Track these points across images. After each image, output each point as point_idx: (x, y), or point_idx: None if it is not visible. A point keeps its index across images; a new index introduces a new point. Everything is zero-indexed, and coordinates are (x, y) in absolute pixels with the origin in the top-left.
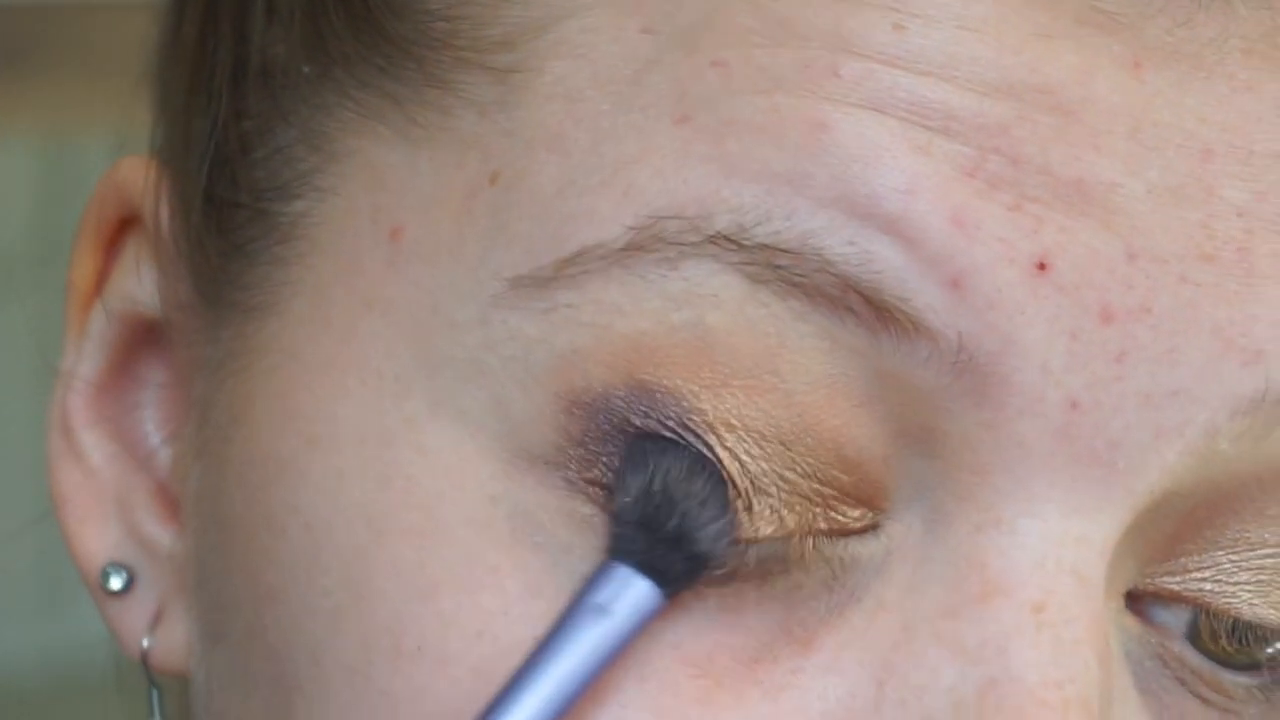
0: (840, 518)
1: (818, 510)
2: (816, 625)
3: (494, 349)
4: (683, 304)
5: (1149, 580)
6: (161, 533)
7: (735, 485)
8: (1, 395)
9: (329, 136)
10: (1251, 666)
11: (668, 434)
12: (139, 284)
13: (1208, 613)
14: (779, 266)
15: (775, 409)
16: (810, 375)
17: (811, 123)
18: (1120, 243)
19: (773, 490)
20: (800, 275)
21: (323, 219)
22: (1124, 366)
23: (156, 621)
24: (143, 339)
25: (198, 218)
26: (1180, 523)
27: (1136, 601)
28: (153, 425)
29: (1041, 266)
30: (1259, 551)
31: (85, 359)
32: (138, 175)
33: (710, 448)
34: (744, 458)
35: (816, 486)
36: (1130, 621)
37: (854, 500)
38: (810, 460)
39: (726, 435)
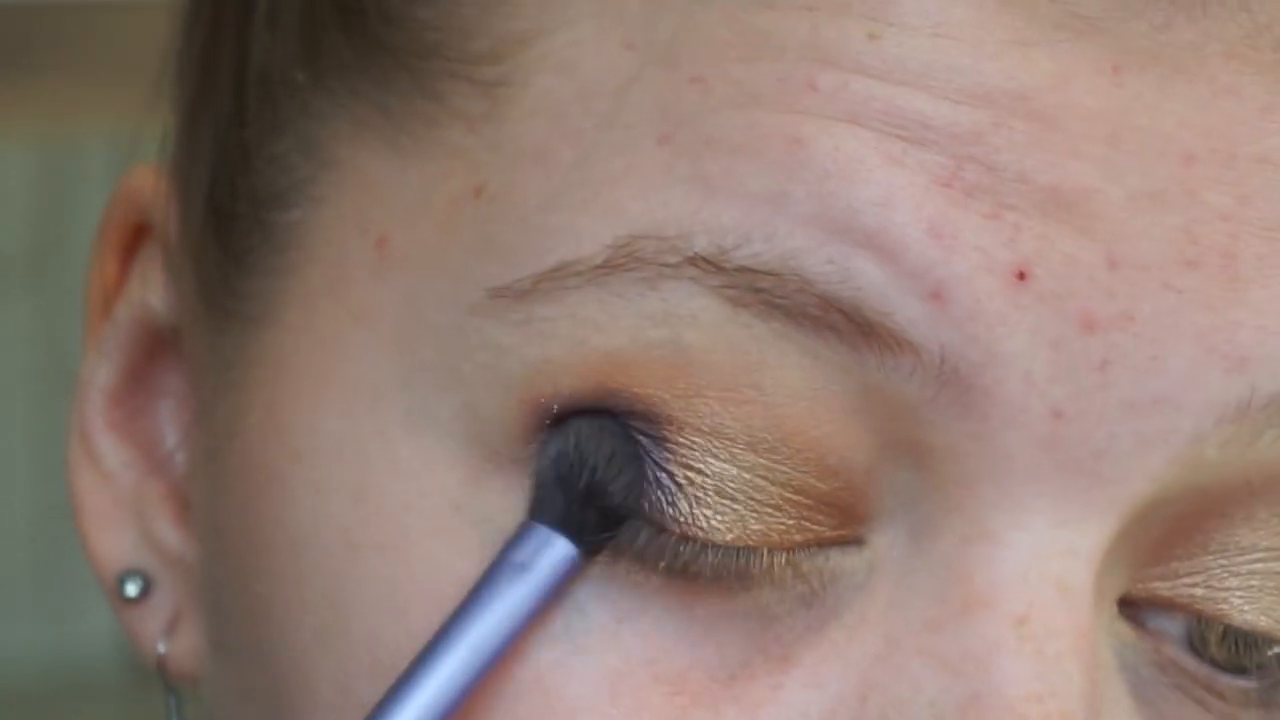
0: (815, 527)
1: (790, 523)
2: (794, 642)
3: (469, 356)
4: (660, 323)
5: (1141, 586)
6: (176, 538)
7: (693, 477)
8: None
9: (322, 145)
10: (1245, 670)
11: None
12: (153, 291)
13: (1199, 619)
14: (760, 289)
15: (753, 418)
16: (792, 389)
17: (788, 139)
18: (1101, 250)
19: (739, 497)
20: (781, 297)
21: (315, 229)
22: (1107, 375)
23: (172, 627)
24: (159, 345)
25: (200, 226)
26: (1169, 528)
27: (1130, 607)
28: (169, 431)
29: (1021, 275)
30: (1249, 556)
31: (103, 366)
32: (149, 183)
33: (661, 447)
34: (708, 460)
35: (790, 496)
36: (1125, 628)
37: (831, 509)
38: (786, 468)
39: (695, 438)
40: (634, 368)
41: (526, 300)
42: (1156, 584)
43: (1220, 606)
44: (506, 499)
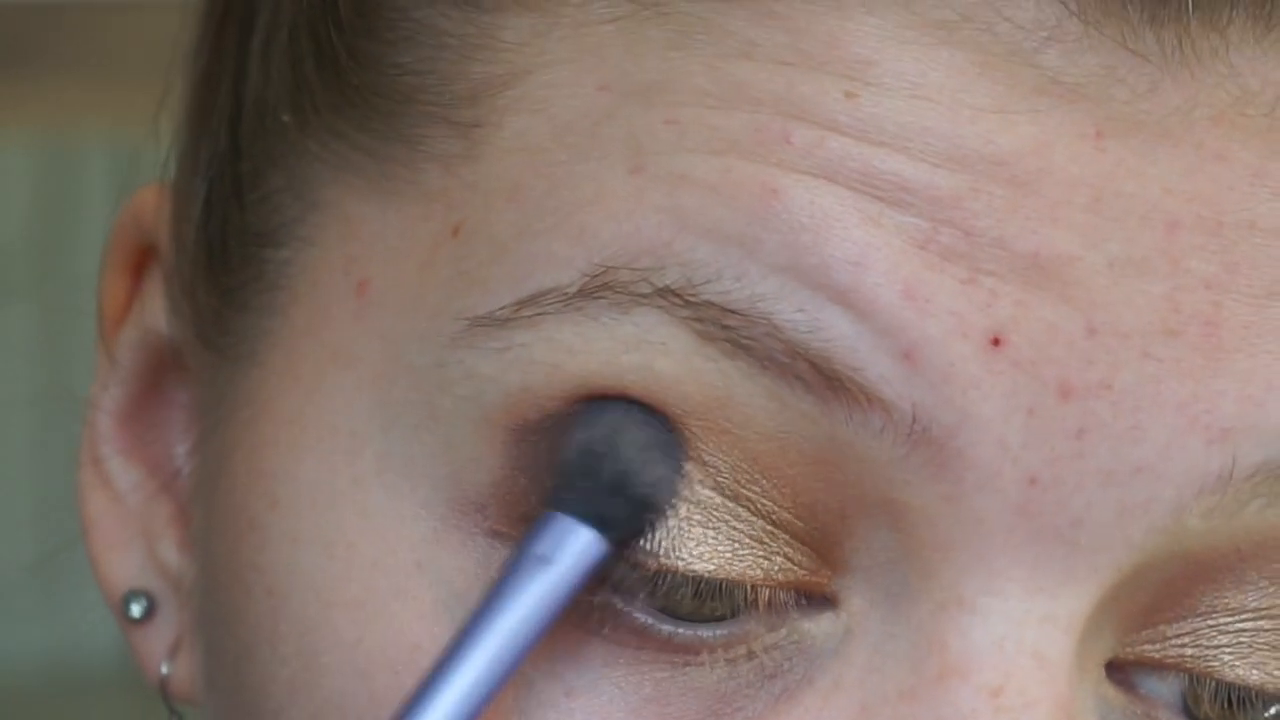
0: (794, 567)
1: (770, 560)
2: (764, 712)
3: (449, 390)
4: (632, 348)
5: (1129, 649)
6: (180, 559)
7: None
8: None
9: (310, 186)
10: None
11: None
12: (159, 313)
13: (1190, 678)
14: (727, 326)
15: (730, 448)
16: (761, 428)
17: (763, 188)
18: (1080, 317)
19: (721, 526)
20: (748, 338)
21: (301, 270)
22: (1084, 443)
23: (175, 649)
24: (166, 366)
25: (194, 257)
26: (1156, 593)
27: (1119, 671)
28: (177, 451)
29: (996, 341)
30: (1239, 617)
31: (113, 385)
32: (153, 203)
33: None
34: (693, 487)
35: (770, 529)
36: (1113, 692)
37: (808, 550)
38: (767, 501)
39: (684, 462)
40: (611, 392)
41: (506, 327)
42: (1145, 647)
43: (1210, 664)
44: (460, 558)
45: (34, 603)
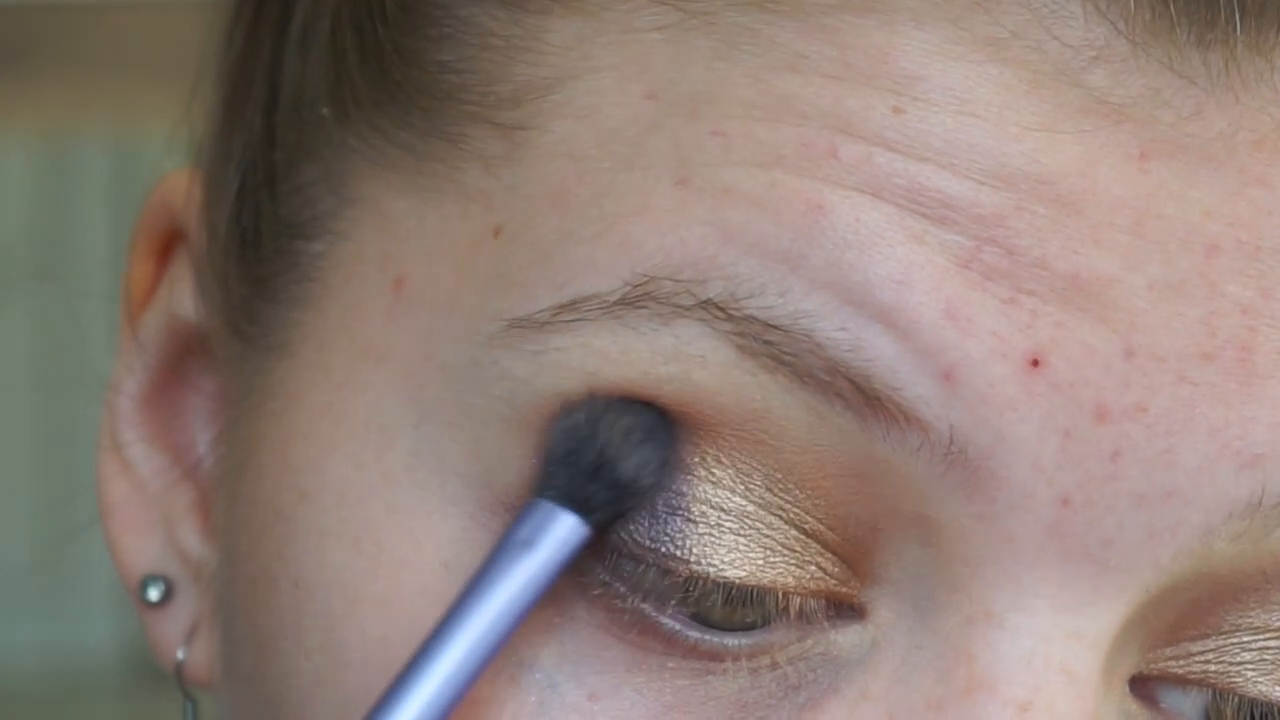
0: (824, 576)
1: (801, 569)
2: None
3: (483, 389)
4: (670, 359)
5: (1153, 665)
6: (200, 546)
7: (708, 512)
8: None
9: (346, 180)
10: None
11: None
12: (185, 299)
13: (1214, 693)
14: (768, 341)
15: (765, 457)
16: (798, 441)
17: (808, 204)
18: (1118, 340)
19: (753, 534)
20: (789, 354)
21: (335, 264)
22: (1118, 466)
23: (191, 634)
24: (190, 351)
25: (225, 244)
26: (1182, 613)
27: (1142, 686)
28: (200, 437)
29: (1035, 363)
30: (1263, 635)
31: (135, 369)
32: (183, 188)
33: (694, 469)
34: (727, 491)
35: (801, 538)
36: (1135, 707)
37: (838, 560)
38: (798, 510)
39: (715, 469)
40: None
41: (544, 331)
42: (1169, 663)
43: (1234, 680)
44: (483, 556)
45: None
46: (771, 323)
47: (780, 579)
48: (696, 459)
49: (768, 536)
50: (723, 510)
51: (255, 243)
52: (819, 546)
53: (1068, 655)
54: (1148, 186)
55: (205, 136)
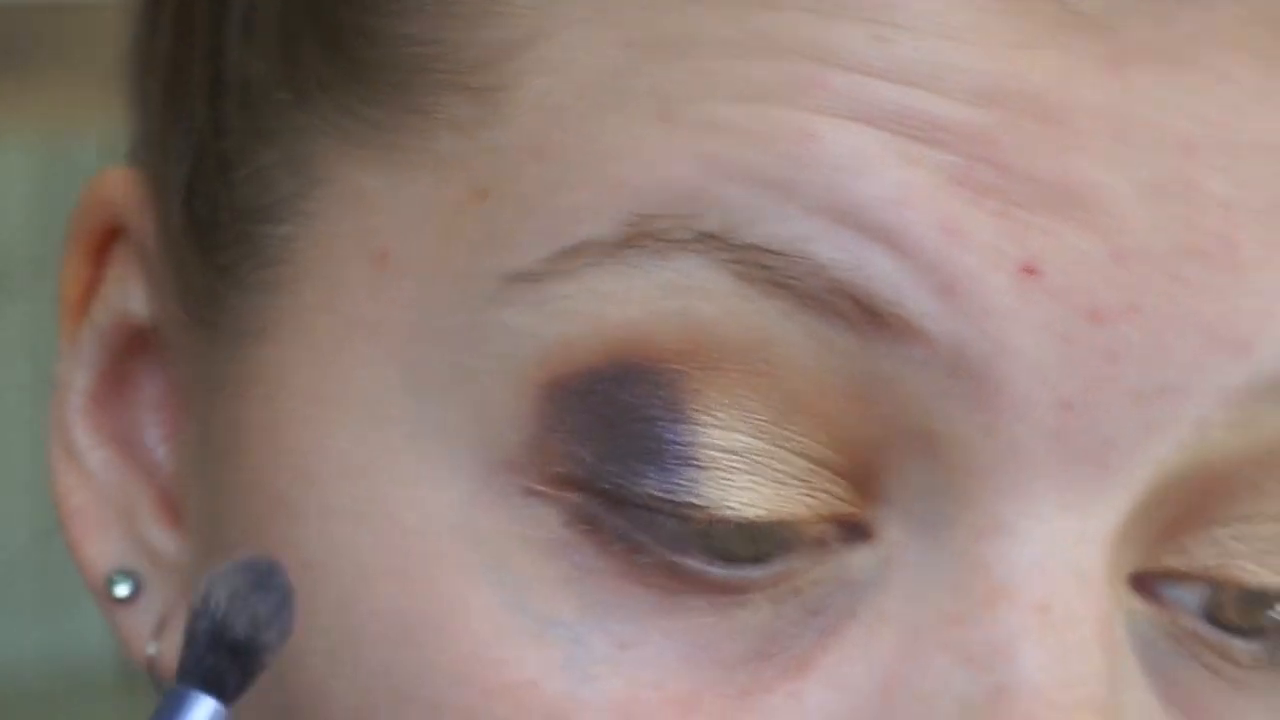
0: (835, 501)
1: (813, 496)
2: (810, 647)
3: (482, 349)
4: (672, 293)
5: (1153, 562)
6: (165, 539)
7: (718, 456)
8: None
9: (311, 161)
10: (1258, 633)
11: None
12: (128, 294)
13: (1214, 585)
14: (767, 267)
15: (769, 390)
16: (800, 367)
17: (799, 132)
18: (1106, 243)
19: (765, 471)
20: (791, 277)
21: (308, 245)
22: (1116, 366)
23: (162, 628)
24: (137, 347)
25: (179, 236)
26: (1178, 507)
27: (1143, 582)
28: (153, 431)
29: (1029, 270)
30: (1254, 524)
31: (80, 369)
32: (121, 186)
33: (698, 418)
34: (734, 433)
35: (811, 466)
36: (1137, 603)
37: (847, 482)
38: (804, 439)
39: (719, 413)
40: (651, 339)
41: (544, 281)
42: (1168, 558)
43: (1232, 572)
44: (497, 519)
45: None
46: (770, 248)
47: (796, 510)
48: (699, 405)
49: (779, 470)
50: (732, 452)
51: (213, 232)
52: (829, 473)
53: (1078, 557)
54: (1126, 93)
55: (140, 131)
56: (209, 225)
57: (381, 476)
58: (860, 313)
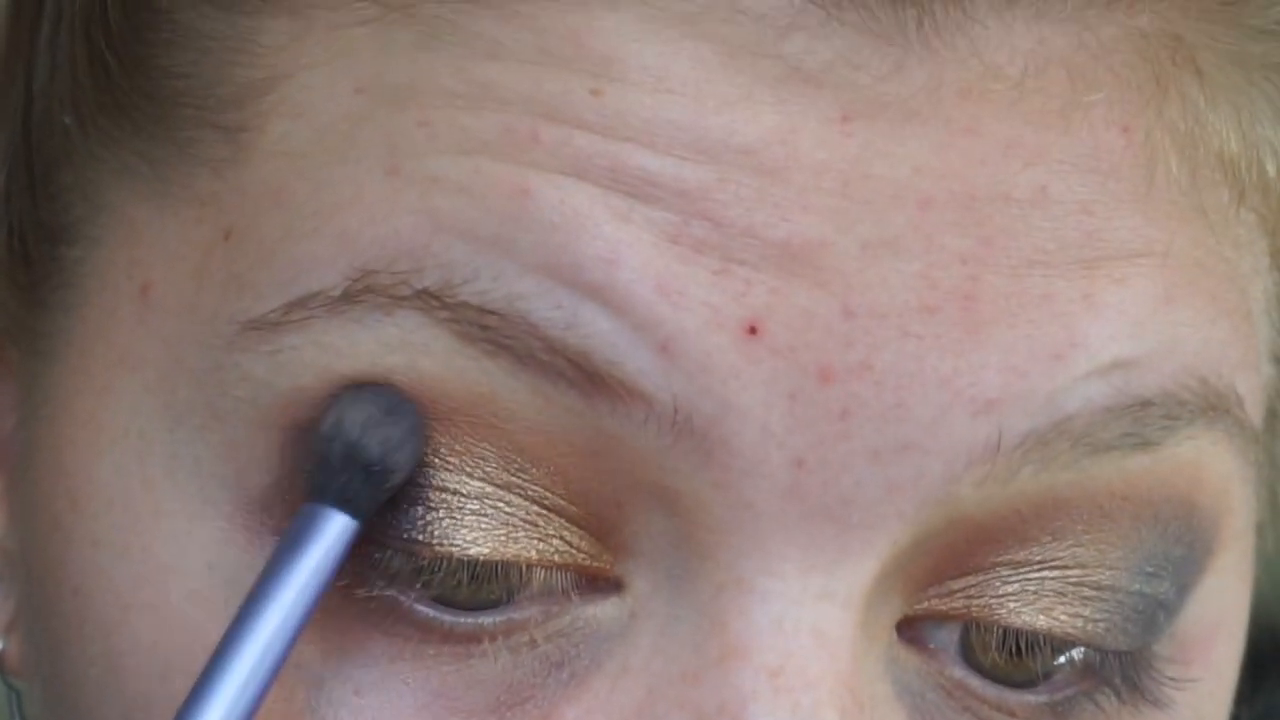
0: (572, 551)
1: (546, 544)
2: (556, 699)
3: (227, 392)
4: (395, 349)
5: (918, 607)
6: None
7: (446, 497)
8: None
9: (95, 187)
10: (1031, 683)
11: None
12: None
13: (977, 625)
14: (486, 326)
15: (499, 440)
16: (528, 423)
17: (513, 188)
18: (835, 301)
19: (490, 512)
20: (508, 337)
21: (91, 270)
22: (848, 424)
23: (13, 625)
24: None
25: (5, 243)
26: (940, 557)
27: (909, 628)
28: (6, 428)
29: (752, 330)
30: (1021, 570)
31: None
32: None
33: (428, 460)
34: (464, 476)
35: (543, 513)
36: (905, 653)
37: (585, 534)
38: (536, 488)
39: (449, 458)
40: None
41: (277, 331)
42: (933, 601)
43: (996, 612)
44: (250, 557)
45: None
46: (487, 307)
47: (523, 553)
48: (429, 449)
49: (508, 513)
50: (461, 494)
51: (21, 248)
52: (562, 521)
53: (818, 616)
54: (852, 148)
55: None
56: (19, 242)
57: (141, 510)
58: (578, 372)
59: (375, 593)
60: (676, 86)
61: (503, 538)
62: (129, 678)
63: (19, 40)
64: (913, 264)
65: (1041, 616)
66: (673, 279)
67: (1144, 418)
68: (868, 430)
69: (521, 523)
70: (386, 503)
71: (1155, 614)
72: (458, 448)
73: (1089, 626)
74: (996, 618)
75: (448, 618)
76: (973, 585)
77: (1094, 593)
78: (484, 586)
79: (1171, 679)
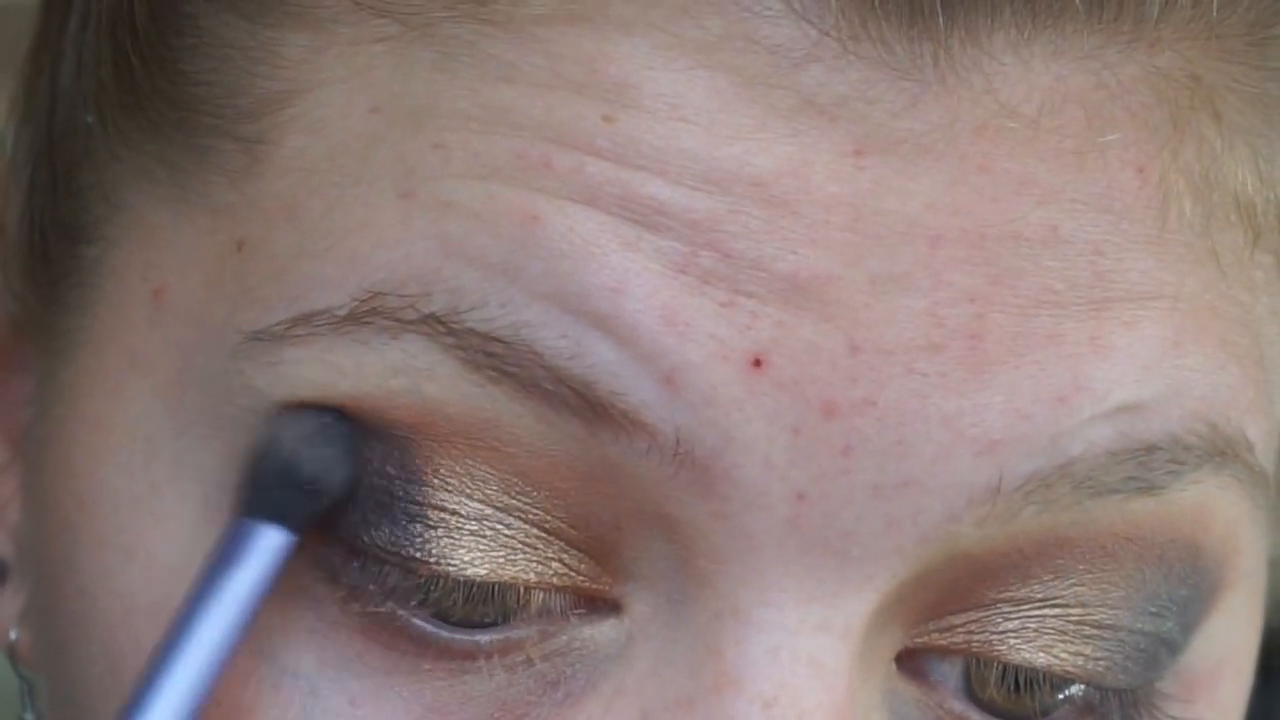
0: (571, 573)
1: (545, 565)
2: (550, 717)
3: (231, 401)
4: (400, 372)
5: (917, 640)
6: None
7: (446, 517)
8: None
9: (114, 187)
10: (1031, 718)
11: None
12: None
13: (977, 661)
14: (491, 354)
15: (500, 463)
16: (531, 448)
17: (523, 214)
18: (841, 336)
19: (489, 533)
20: (513, 365)
21: (107, 270)
22: (850, 459)
23: (25, 616)
24: (10, 332)
25: (16, 244)
26: (941, 592)
27: (909, 660)
28: (25, 417)
29: (757, 363)
30: (1023, 607)
31: None
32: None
33: (429, 480)
34: (463, 497)
35: (542, 535)
36: (904, 685)
37: (584, 556)
38: (538, 511)
39: (450, 479)
40: (381, 412)
41: (280, 344)
42: (933, 635)
43: (997, 648)
44: None
45: None
46: (493, 335)
47: (521, 575)
48: (431, 469)
49: (507, 536)
50: (460, 515)
51: (42, 244)
52: (561, 544)
53: (815, 647)
54: (864, 183)
55: (10, 128)
56: (40, 238)
57: (146, 514)
58: (582, 401)
59: (372, 607)
60: (690, 115)
61: (501, 559)
62: (130, 678)
63: (48, 34)
64: (920, 301)
65: (1042, 654)
66: (679, 310)
67: (1149, 462)
68: (869, 466)
69: (520, 545)
70: (388, 520)
71: (1158, 652)
72: (458, 469)
73: (1090, 665)
74: (997, 654)
75: (444, 633)
76: (973, 621)
77: (1095, 631)
78: (480, 606)
79: (1174, 718)
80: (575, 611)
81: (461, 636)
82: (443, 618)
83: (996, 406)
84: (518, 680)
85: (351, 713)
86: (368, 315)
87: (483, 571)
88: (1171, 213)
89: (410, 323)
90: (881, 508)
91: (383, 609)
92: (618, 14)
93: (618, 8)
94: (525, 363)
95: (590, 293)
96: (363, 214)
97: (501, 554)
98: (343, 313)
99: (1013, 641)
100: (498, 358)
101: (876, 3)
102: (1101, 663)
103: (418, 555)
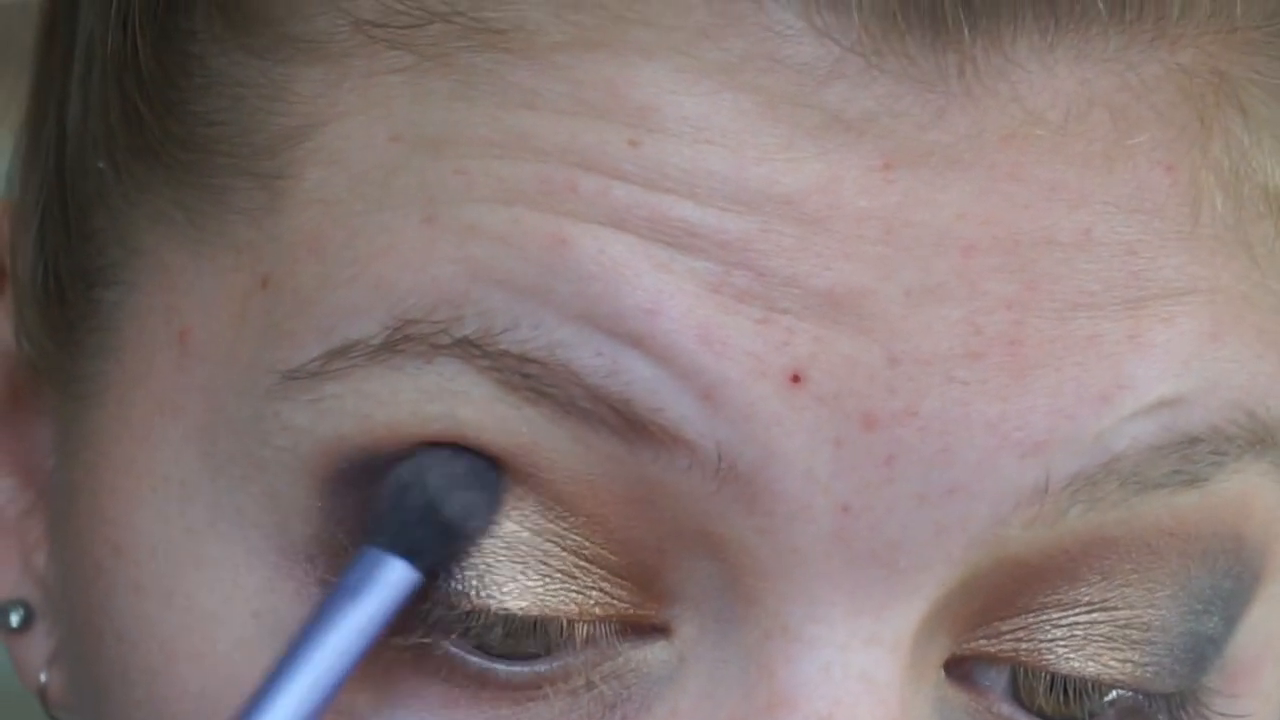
0: (615, 602)
1: (586, 594)
2: None
3: (268, 441)
4: (435, 398)
5: (966, 647)
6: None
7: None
8: None
9: (130, 231)
10: None
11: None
12: (8, 333)
13: (1025, 670)
14: (527, 375)
15: (539, 488)
16: (569, 471)
17: (551, 238)
18: (879, 348)
19: (530, 561)
20: (550, 385)
21: (128, 315)
22: (894, 469)
23: (54, 659)
24: (30, 375)
25: (40, 282)
26: (988, 598)
27: (958, 667)
28: (50, 458)
29: (796, 378)
30: (1070, 612)
31: None
32: (5, 221)
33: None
34: (504, 524)
35: (582, 564)
36: (953, 692)
37: (628, 583)
38: (574, 537)
39: (501, 490)
40: (417, 439)
41: (318, 379)
42: (981, 643)
43: (1045, 657)
44: (296, 607)
45: None
46: (528, 356)
47: (562, 606)
48: None
49: (544, 565)
50: (499, 541)
51: (57, 288)
52: (602, 571)
53: (867, 661)
54: (894, 196)
55: (15, 167)
56: (55, 281)
57: (185, 559)
58: (620, 420)
59: (414, 640)
60: (716, 137)
61: (540, 591)
62: None
63: (50, 75)
64: (957, 310)
65: (1090, 663)
66: (715, 328)
67: (1192, 454)
68: (913, 475)
69: (559, 574)
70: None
71: (1204, 651)
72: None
73: (1138, 671)
74: (1045, 663)
75: (501, 666)
76: (1021, 628)
77: (1142, 635)
78: (522, 641)
79: (1221, 714)
80: (620, 637)
81: (520, 668)
82: (486, 650)
83: (1040, 409)
84: (580, 704)
85: None
86: (401, 343)
87: (522, 604)
88: (1203, 208)
89: (444, 347)
90: (928, 515)
91: (426, 642)
92: (636, 39)
93: (636, 33)
94: (562, 382)
95: (624, 314)
96: (386, 240)
97: (539, 584)
98: (377, 342)
99: (1061, 650)
100: (534, 378)
101: (899, 17)
102: (1150, 669)
103: (459, 588)
